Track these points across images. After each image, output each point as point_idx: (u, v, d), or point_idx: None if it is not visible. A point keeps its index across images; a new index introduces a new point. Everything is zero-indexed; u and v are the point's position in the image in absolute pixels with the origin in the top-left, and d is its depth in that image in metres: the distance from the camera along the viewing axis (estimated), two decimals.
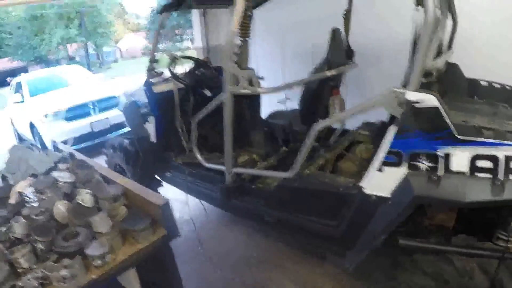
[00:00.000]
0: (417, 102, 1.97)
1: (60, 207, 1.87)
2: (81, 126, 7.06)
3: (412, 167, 2.04)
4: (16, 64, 30.39)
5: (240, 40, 2.69)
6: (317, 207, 2.64)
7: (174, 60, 3.63)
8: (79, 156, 2.63)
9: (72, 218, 1.82)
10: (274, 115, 4.35)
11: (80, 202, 1.89)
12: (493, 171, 1.88)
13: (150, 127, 3.80)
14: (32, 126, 7.43)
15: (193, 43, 5.11)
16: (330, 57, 3.21)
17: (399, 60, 4.19)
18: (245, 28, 2.65)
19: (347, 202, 2.42)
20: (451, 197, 1.93)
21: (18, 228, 1.78)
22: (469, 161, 1.92)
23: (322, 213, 2.60)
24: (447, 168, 1.96)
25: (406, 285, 2.24)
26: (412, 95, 1.98)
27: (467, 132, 1.94)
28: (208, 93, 3.75)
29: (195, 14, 6.06)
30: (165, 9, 3.55)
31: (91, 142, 7.10)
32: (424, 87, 2.07)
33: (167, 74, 3.80)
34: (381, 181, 2.16)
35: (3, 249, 1.70)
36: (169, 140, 3.80)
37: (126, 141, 3.98)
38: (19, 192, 2.22)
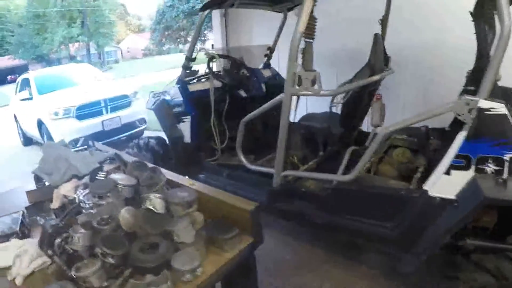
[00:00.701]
0: (487, 110, 2.06)
1: (126, 215, 1.62)
2: (93, 124, 6.83)
3: (479, 171, 2.12)
4: (17, 62, 29.97)
5: (305, 42, 2.56)
6: (373, 209, 2.65)
7: (212, 59, 3.47)
8: (126, 156, 2.42)
9: (145, 227, 1.58)
10: (307, 117, 4.21)
11: (151, 208, 1.66)
12: None
13: (184, 127, 3.62)
14: (40, 123, 7.16)
15: (212, 46, 4.93)
16: (372, 62, 3.16)
17: (427, 66, 4.19)
18: (310, 30, 2.55)
19: (405, 204, 2.46)
20: None
21: (82, 239, 1.52)
22: None
23: (378, 215, 2.62)
24: (511, 172, 2.06)
25: (466, 283, 2.21)
26: (484, 103, 2.06)
27: None
28: (243, 93, 3.65)
29: (215, 16, 5.86)
30: (207, 6, 3.38)
31: (102, 141, 6.86)
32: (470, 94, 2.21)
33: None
34: (448, 184, 2.22)
35: (61, 265, 1.50)
36: (204, 141, 3.65)
37: (152, 141, 3.84)
38: (64, 196, 2.00)
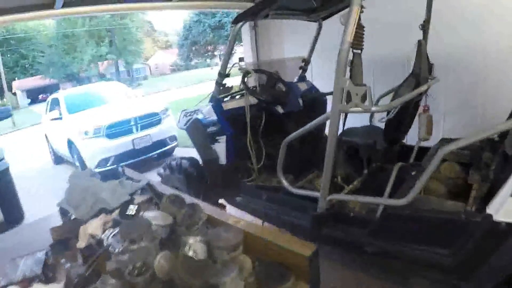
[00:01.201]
0: None
1: (163, 261, 1.39)
2: (123, 143, 6.73)
3: None
4: (48, 81, 30.69)
5: (353, 53, 2.36)
6: (429, 235, 2.42)
7: (246, 74, 3.27)
8: (160, 187, 2.20)
9: (185, 277, 1.33)
10: (347, 132, 3.93)
11: (191, 255, 1.41)
12: None
13: (218, 147, 3.44)
14: (70, 143, 7.10)
15: (242, 59, 4.71)
16: (417, 71, 2.95)
17: (469, 72, 3.87)
18: (358, 39, 2.36)
19: (466, 229, 2.24)
20: None
21: None
22: None
23: (434, 241, 2.39)
24: None
25: None
26: None
27: None
28: (280, 110, 3.43)
29: (244, 28, 5.68)
30: (239, 19, 3.21)
31: (133, 159, 6.76)
32: None
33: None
34: None
35: None
36: (240, 161, 3.47)
37: (185, 162, 3.65)
38: (91, 235, 1.78)
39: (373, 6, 4.18)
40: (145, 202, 2.06)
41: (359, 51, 2.41)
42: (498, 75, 3.43)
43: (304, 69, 4.10)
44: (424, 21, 3.28)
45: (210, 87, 3.61)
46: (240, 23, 3.23)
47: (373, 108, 2.26)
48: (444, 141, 3.35)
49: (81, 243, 1.77)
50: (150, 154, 7.04)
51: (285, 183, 2.97)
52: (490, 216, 2.05)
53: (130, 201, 2.04)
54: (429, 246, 2.39)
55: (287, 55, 5.04)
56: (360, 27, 2.33)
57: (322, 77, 4.12)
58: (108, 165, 6.53)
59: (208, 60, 25.91)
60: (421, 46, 3.03)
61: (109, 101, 7.99)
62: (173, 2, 4.69)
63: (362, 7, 2.22)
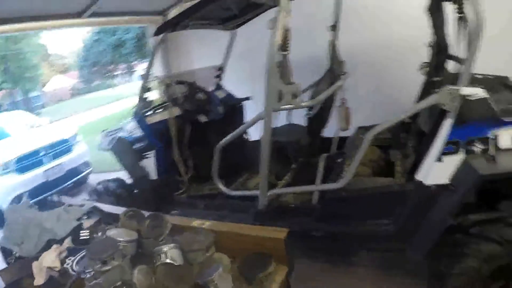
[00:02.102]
0: (469, 96, 2.18)
1: (141, 276, 1.39)
2: (35, 176, 6.15)
3: (469, 152, 2.21)
4: None
5: (282, 55, 2.48)
6: (369, 210, 2.68)
7: (168, 86, 3.25)
8: (106, 208, 2.14)
9: (171, 285, 1.33)
10: None
11: (170, 262, 1.41)
12: None
13: (146, 163, 3.37)
14: None
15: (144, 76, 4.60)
16: (332, 68, 3.22)
17: (377, 66, 4.27)
18: (285, 42, 2.47)
19: (401, 198, 2.49)
20: (507, 170, 2.13)
21: None
22: None
23: (375, 214, 2.65)
24: (497, 147, 2.18)
25: (472, 256, 2.28)
26: (466, 90, 2.18)
27: (510, 114, 2.19)
28: (204, 118, 3.46)
29: (154, 42, 5.64)
30: (160, 30, 3.18)
31: (48, 193, 6.24)
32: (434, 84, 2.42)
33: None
34: (441, 171, 2.27)
35: None
36: (169, 174, 3.41)
37: (112, 184, 3.55)
38: (49, 268, 1.68)
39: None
40: (95, 225, 1.99)
41: (287, 53, 2.52)
42: (401, 69, 3.80)
43: (220, 78, 4.14)
44: (333, 23, 3.54)
45: (115, 108, 3.51)
46: (162, 35, 3.21)
47: (303, 103, 2.43)
48: (361, 129, 3.67)
49: (39, 280, 1.66)
50: (65, 185, 6.56)
51: (222, 187, 3.01)
52: (420, 182, 2.34)
53: (79, 227, 1.96)
54: (371, 219, 2.65)
55: (196, 65, 5.06)
56: (286, 30, 2.45)
57: (231, 84, 4.29)
58: (22, 202, 5.98)
59: (109, 81, 24.61)
60: (333, 45, 3.30)
61: (13, 133, 7.33)
62: (80, 19, 4.48)
63: (289, 12, 2.35)
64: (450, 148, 2.23)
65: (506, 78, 3.12)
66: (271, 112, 2.44)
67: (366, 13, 4.26)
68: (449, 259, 2.35)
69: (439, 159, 2.25)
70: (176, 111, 3.33)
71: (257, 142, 3.74)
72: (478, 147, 2.20)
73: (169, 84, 3.30)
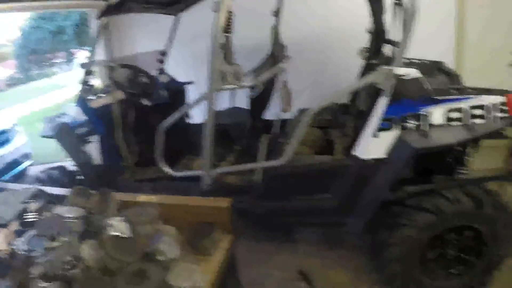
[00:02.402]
0: (404, 76, 2.37)
1: (91, 250, 1.41)
2: None
3: (403, 128, 2.41)
4: None
5: (225, 37, 2.56)
6: (309, 186, 2.81)
7: (112, 70, 3.19)
8: (52, 190, 2.12)
9: (121, 257, 1.38)
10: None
11: (118, 234, 1.46)
12: (462, 118, 2.42)
13: (91, 148, 3.31)
14: None
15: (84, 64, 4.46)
16: (275, 52, 3.32)
17: (318, 50, 4.44)
18: (228, 24, 2.57)
19: (340, 173, 2.67)
20: (439, 143, 2.36)
21: None
22: (445, 114, 2.42)
23: (315, 190, 2.80)
24: (430, 123, 2.40)
25: (409, 226, 2.46)
26: (399, 71, 2.35)
27: (440, 94, 2.43)
28: (147, 102, 3.43)
29: (96, 26, 5.48)
30: (103, 13, 3.09)
31: None
32: (373, 67, 2.55)
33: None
34: (377, 146, 2.46)
35: None
36: (116, 159, 3.35)
37: (55, 172, 3.45)
38: None
39: None
40: (42, 207, 1.97)
41: (230, 35, 2.61)
42: (342, 53, 3.97)
43: (162, 62, 4.09)
44: (276, 8, 3.63)
45: (56, 97, 3.42)
46: (105, 18, 3.14)
47: (245, 83, 2.49)
48: (303, 111, 3.81)
49: None
50: (4, 176, 6.26)
51: (167, 169, 3.02)
52: (358, 157, 2.53)
53: (26, 210, 1.94)
54: (313, 195, 2.80)
55: (139, 51, 4.99)
56: (229, 13, 2.51)
57: (175, 69, 4.28)
58: None
59: (48, 70, 23.18)
60: (275, 30, 3.39)
61: None
62: (17, 2, 4.26)
63: None
64: (385, 125, 2.41)
65: (440, 63, 3.39)
66: (214, 92, 2.49)
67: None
68: (387, 230, 2.53)
69: (375, 135, 2.43)
70: (120, 95, 3.27)
71: (199, 125, 3.80)
72: (412, 124, 2.39)
73: (113, 68, 3.22)
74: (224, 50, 2.51)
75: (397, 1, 2.93)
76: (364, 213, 2.59)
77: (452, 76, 3.05)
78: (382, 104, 2.39)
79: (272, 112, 3.67)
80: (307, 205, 2.81)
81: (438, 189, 2.48)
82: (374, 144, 2.45)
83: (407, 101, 2.38)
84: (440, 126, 2.41)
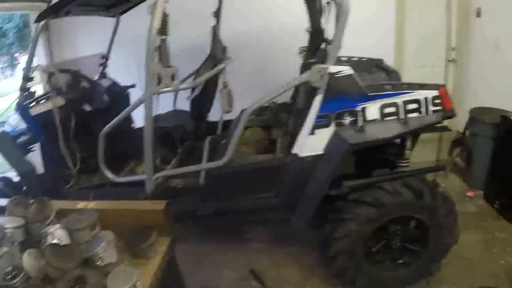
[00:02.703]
0: (337, 73, 2.45)
1: (31, 259, 1.40)
2: None
3: (339, 124, 2.53)
4: None
5: (160, 39, 2.54)
6: (252, 185, 2.90)
7: (51, 75, 3.16)
8: None
9: (60, 265, 1.42)
10: (155, 119, 4.10)
11: (57, 242, 1.49)
12: (397, 113, 2.54)
13: (34, 156, 3.27)
14: None
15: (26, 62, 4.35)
16: (214, 52, 3.39)
17: (259, 51, 4.58)
18: (164, 26, 2.55)
19: (281, 171, 2.76)
20: (374, 138, 2.47)
21: None
22: (379, 110, 2.53)
23: (258, 189, 2.88)
24: (365, 119, 2.52)
25: (351, 220, 2.56)
26: (333, 68, 2.44)
27: (374, 90, 2.53)
28: (88, 107, 3.45)
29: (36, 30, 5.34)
30: (41, 17, 3.05)
31: None
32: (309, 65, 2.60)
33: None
34: (314, 143, 2.56)
35: None
36: (59, 167, 3.34)
37: None
38: None
39: None
40: None
41: (165, 37, 2.60)
42: (283, 53, 4.11)
43: (104, 66, 4.11)
44: (216, 9, 3.73)
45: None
46: (43, 22, 3.09)
47: (182, 86, 2.59)
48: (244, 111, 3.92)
49: None
50: None
51: (109, 175, 3.04)
52: (296, 154, 2.62)
53: None
54: (256, 194, 2.88)
55: (81, 54, 4.94)
56: (165, 15, 2.54)
57: (118, 72, 4.31)
58: None
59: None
60: (214, 31, 3.47)
61: None
62: None
63: None
64: (322, 121, 2.52)
65: (380, 60, 3.58)
66: (151, 95, 2.54)
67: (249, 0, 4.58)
68: (332, 225, 2.64)
69: (312, 132, 2.54)
70: (60, 101, 3.25)
71: (142, 129, 3.82)
72: (347, 120, 2.52)
73: (52, 73, 3.21)
74: (160, 52, 2.53)
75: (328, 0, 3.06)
76: (306, 210, 2.67)
77: (390, 73, 3.20)
78: (317, 101, 2.48)
79: (218, 114, 3.79)
80: (250, 204, 2.88)
81: (378, 182, 2.60)
82: (311, 141, 2.55)
83: (342, 98, 2.48)
84: (376, 121, 2.53)
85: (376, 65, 3.52)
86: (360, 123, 2.51)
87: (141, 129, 3.77)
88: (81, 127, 3.41)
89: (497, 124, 3.73)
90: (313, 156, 2.58)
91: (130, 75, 4.19)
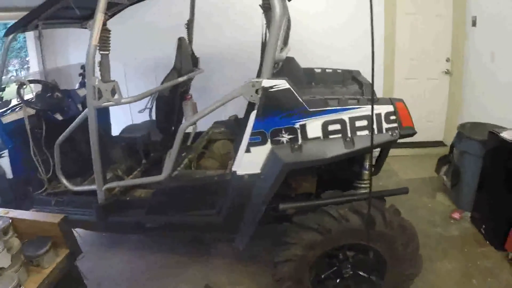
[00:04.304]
0: (272, 87, 2.36)
1: None
2: None
3: (275, 142, 2.44)
4: None
5: (101, 54, 2.74)
6: (195, 201, 2.97)
7: (22, 85, 3.43)
8: None
9: None
10: (127, 129, 4.34)
11: None
12: (342, 131, 2.42)
13: (3, 162, 3.51)
14: None
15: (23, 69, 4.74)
16: (178, 65, 3.51)
17: (238, 64, 4.78)
18: (104, 42, 2.74)
19: (223, 189, 2.77)
20: (313, 157, 2.40)
21: None
22: (322, 127, 2.42)
23: (201, 206, 2.95)
24: (305, 137, 2.42)
25: (295, 244, 2.54)
26: (267, 82, 2.36)
27: (316, 105, 2.41)
28: (59, 117, 3.67)
29: (29, 38, 5.73)
30: (11, 31, 3.30)
31: None
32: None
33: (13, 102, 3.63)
34: (250, 161, 2.51)
35: None
36: (28, 173, 3.58)
37: None
38: None
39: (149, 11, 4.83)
40: None
41: (107, 52, 2.79)
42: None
43: (83, 75, 4.25)
44: (188, 21, 3.97)
45: None
46: (11, 35, 3.34)
47: (122, 100, 2.71)
48: (217, 123, 4.13)
49: None
50: None
51: (65, 183, 3.26)
52: (235, 172, 2.61)
53: None
54: (197, 210, 2.96)
55: (72, 62, 5.26)
56: (106, 32, 2.74)
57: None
58: None
59: None
60: (181, 42, 3.60)
61: None
62: None
63: (107, 14, 2.64)
64: (256, 139, 2.46)
65: (357, 72, 3.60)
66: (93, 109, 2.74)
67: (216, 12, 4.92)
68: (278, 247, 2.65)
69: (248, 150, 2.49)
70: (30, 111, 3.51)
71: (115, 137, 4.05)
72: (285, 138, 2.43)
73: (22, 84, 3.41)
74: (101, 67, 2.74)
75: (264, 10, 3.18)
76: (246, 230, 2.70)
77: (364, 86, 3.17)
78: (252, 118, 2.44)
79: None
80: (192, 221, 2.99)
81: (323, 205, 2.54)
82: (247, 159, 2.51)
83: (278, 114, 2.40)
84: (318, 139, 2.42)
85: (352, 77, 3.53)
86: (299, 141, 2.43)
87: (117, 137, 4.09)
88: (55, 134, 3.60)
89: (485, 141, 3.66)
90: (249, 175, 2.55)
91: None
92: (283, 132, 2.43)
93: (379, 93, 3.82)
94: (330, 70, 3.68)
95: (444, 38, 5.33)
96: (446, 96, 5.56)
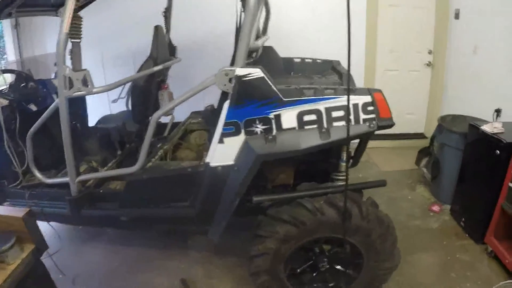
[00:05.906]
0: (245, 76, 2.31)
1: None
2: None
3: (249, 133, 2.39)
4: None
5: (72, 42, 2.69)
6: (169, 193, 2.91)
7: None
8: None
9: None
10: (103, 119, 4.29)
11: None
12: (318, 121, 2.38)
13: None
14: None
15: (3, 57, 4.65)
16: (154, 53, 3.43)
17: (218, 52, 4.72)
18: (76, 30, 2.67)
19: (196, 181, 2.71)
20: (287, 149, 2.36)
21: None
22: (297, 118, 2.37)
23: (174, 198, 2.89)
24: (279, 127, 2.37)
25: (269, 237, 2.51)
26: (240, 71, 2.30)
27: (291, 95, 2.37)
28: (33, 107, 3.59)
29: (6, 27, 5.61)
30: None
31: None
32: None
33: None
34: (224, 152, 2.47)
35: None
36: (4, 166, 3.48)
37: None
38: None
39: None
40: None
41: (78, 40, 2.73)
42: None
43: None
44: (165, 9, 3.89)
45: None
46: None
47: (94, 90, 2.63)
48: (194, 114, 4.06)
49: None
50: None
51: (38, 175, 3.19)
52: (208, 163, 2.57)
53: None
54: (170, 202, 2.91)
55: (50, 50, 5.15)
56: (78, 19, 2.66)
57: None
58: None
59: None
60: (157, 31, 3.52)
61: None
62: None
63: (77, 0, 2.55)
64: (229, 129, 2.41)
65: (337, 62, 3.57)
66: (64, 99, 2.64)
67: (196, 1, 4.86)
68: (253, 240, 2.62)
69: (221, 141, 2.44)
70: (3, 101, 3.41)
71: (92, 128, 3.96)
72: (259, 128, 2.38)
73: None
74: (72, 55, 2.65)
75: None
76: (219, 222, 2.66)
77: (343, 76, 3.09)
78: (225, 107, 2.40)
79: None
80: (165, 213, 2.93)
81: (298, 198, 2.51)
82: (220, 150, 2.47)
83: (251, 104, 2.36)
84: (293, 130, 2.38)
85: (332, 67, 3.48)
86: (273, 131, 2.38)
87: (92, 128, 4.02)
88: (28, 126, 3.56)
89: (465, 133, 3.68)
90: (223, 167, 2.52)
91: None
92: (257, 122, 2.38)
93: (360, 84, 3.77)
94: (310, 60, 3.64)
95: (426, 30, 5.34)
96: (428, 88, 5.60)
